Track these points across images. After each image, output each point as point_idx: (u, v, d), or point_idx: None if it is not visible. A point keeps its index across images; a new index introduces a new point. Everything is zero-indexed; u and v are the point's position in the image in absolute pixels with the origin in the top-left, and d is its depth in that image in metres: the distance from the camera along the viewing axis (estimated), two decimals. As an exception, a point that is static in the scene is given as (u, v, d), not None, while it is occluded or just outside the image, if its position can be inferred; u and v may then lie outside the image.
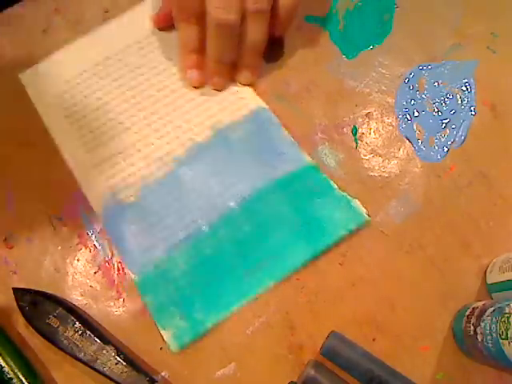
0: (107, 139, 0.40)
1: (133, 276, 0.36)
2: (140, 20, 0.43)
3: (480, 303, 0.33)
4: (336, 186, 0.38)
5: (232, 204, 0.37)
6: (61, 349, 0.33)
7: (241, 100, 0.40)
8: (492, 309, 0.30)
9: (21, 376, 0.33)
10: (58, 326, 0.34)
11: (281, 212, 0.37)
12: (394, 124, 0.40)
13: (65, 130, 0.40)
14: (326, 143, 0.39)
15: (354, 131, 0.40)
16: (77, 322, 0.34)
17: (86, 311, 0.36)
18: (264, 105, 0.40)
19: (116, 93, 0.41)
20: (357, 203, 0.37)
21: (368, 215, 0.37)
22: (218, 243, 0.36)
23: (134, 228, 0.37)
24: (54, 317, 0.34)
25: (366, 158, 0.39)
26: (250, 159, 0.39)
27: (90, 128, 0.40)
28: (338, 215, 0.37)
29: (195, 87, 0.41)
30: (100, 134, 0.40)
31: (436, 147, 0.39)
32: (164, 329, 0.35)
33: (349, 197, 0.37)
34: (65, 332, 0.33)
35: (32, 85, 0.42)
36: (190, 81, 0.41)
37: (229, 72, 0.40)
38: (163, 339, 0.34)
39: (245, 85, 0.41)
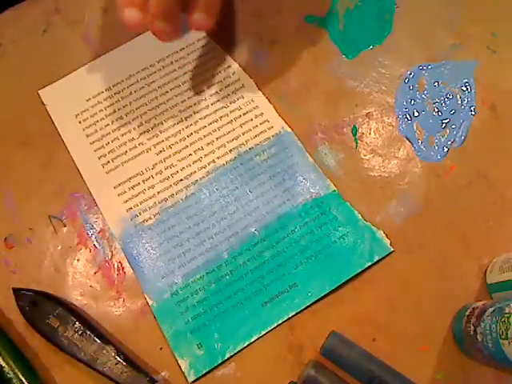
0: (127, 160, 0.39)
1: (150, 302, 0.35)
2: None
3: (480, 303, 0.33)
4: (360, 216, 0.37)
5: (253, 230, 0.37)
6: (61, 349, 0.33)
7: (265, 123, 0.40)
8: (492, 309, 0.30)
9: (21, 376, 0.33)
10: (58, 326, 0.34)
11: (303, 240, 0.36)
12: (393, 124, 0.40)
13: (85, 149, 0.39)
14: (326, 143, 0.39)
15: (354, 131, 0.40)
16: (77, 322, 0.34)
17: (86, 311, 0.36)
18: (288, 128, 0.40)
19: (137, 113, 0.40)
20: (381, 234, 0.36)
21: (391, 246, 0.36)
22: (237, 270, 0.36)
23: (152, 252, 0.37)
24: (54, 317, 0.34)
25: (366, 158, 0.39)
26: (272, 184, 0.38)
27: (110, 148, 0.39)
28: (362, 246, 0.36)
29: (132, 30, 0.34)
30: (120, 155, 0.39)
31: (436, 147, 0.39)
32: (182, 357, 0.34)
33: (373, 227, 0.36)
34: (65, 332, 0.33)
35: (52, 102, 0.41)
36: (127, 23, 0.33)
37: (177, 15, 0.34)
38: (178, 366, 0.34)
39: (198, 29, 0.35)
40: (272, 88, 0.41)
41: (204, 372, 0.34)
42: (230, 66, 0.42)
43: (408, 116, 0.40)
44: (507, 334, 0.28)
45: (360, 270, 0.35)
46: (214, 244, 0.37)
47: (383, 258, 0.36)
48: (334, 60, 0.42)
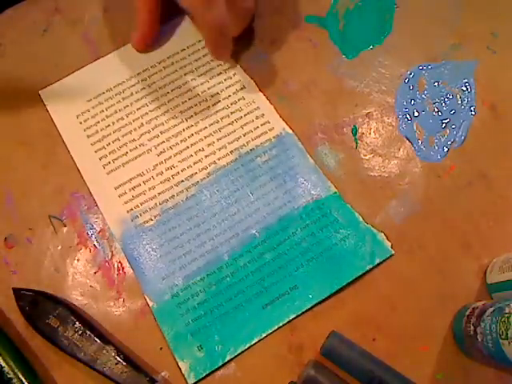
0: (128, 161, 0.39)
1: (150, 303, 0.35)
2: (165, 40, 0.43)
3: (480, 303, 0.33)
4: (361, 218, 0.37)
5: (254, 232, 0.37)
6: (61, 349, 0.33)
7: (266, 124, 0.40)
8: (492, 309, 0.30)
9: (21, 376, 0.33)
10: (58, 326, 0.34)
11: (304, 242, 0.36)
12: (393, 124, 0.40)
13: (85, 150, 0.39)
14: (326, 143, 0.39)
15: (354, 131, 0.40)
16: (77, 322, 0.34)
17: (86, 311, 0.36)
18: (289, 129, 0.39)
19: (138, 114, 0.40)
20: (382, 237, 0.36)
21: (392, 248, 0.36)
22: (238, 272, 0.36)
23: (152, 253, 0.36)
24: (54, 317, 0.34)
25: (366, 158, 0.39)
26: (273, 186, 0.38)
27: (111, 149, 0.39)
28: (363, 249, 0.36)
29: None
30: (121, 156, 0.39)
31: (436, 147, 0.39)
32: (182, 359, 0.34)
33: (374, 230, 0.36)
34: (65, 332, 0.33)
35: (53, 102, 0.41)
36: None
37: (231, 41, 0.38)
38: (178, 367, 0.34)
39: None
40: (272, 88, 0.41)
41: (204, 375, 0.34)
42: (231, 67, 0.42)
43: (408, 116, 0.40)
44: (507, 333, 0.28)
45: (361, 272, 0.35)
46: (215, 245, 0.36)
47: (384, 260, 0.36)
48: (334, 60, 0.42)
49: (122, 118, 0.40)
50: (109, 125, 0.40)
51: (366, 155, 0.39)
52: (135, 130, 0.40)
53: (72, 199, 0.38)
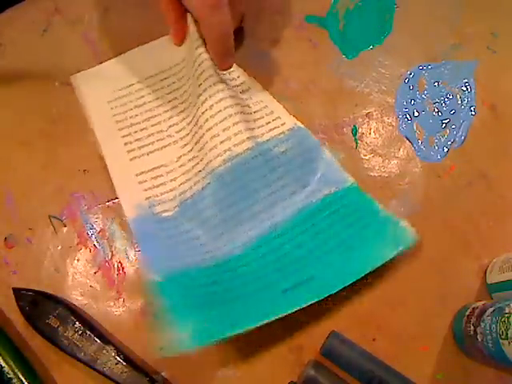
0: (153, 150, 0.39)
1: (155, 277, 0.33)
2: (195, 32, 0.41)
3: (480, 303, 0.33)
4: (381, 206, 0.36)
5: (271, 224, 0.36)
6: (61, 349, 0.33)
7: (277, 120, 0.39)
8: (492, 309, 0.30)
9: (21, 376, 0.33)
10: (58, 326, 0.34)
11: (323, 234, 0.35)
12: (393, 124, 0.40)
13: (112, 133, 0.39)
14: (326, 143, 0.39)
15: (354, 131, 0.40)
16: (77, 322, 0.34)
17: (86, 311, 0.36)
18: (301, 124, 0.39)
19: (168, 106, 0.40)
20: (404, 224, 0.35)
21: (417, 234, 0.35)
22: (254, 262, 0.35)
23: (166, 242, 0.36)
24: (54, 317, 0.34)
25: (366, 158, 0.39)
26: (291, 178, 0.37)
27: (138, 137, 0.39)
28: (384, 237, 0.35)
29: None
30: (147, 144, 0.39)
31: (436, 147, 0.39)
32: (184, 325, 0.31)
33: (395, 218, 0.35)
34: (65, 332, 0.33)
35: (83, 86, 0.41)
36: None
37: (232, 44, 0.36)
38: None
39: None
40: (272, 88, 0.41)
41: (211, 340, 0.31)
42: (233, 71, 0.41)
43: (408, 116, 0.40)
44: (507, 333, 0.28)
45: (382, 262, 0.34)
46: (231, 237, 0.35)
47: (408, 247, 0.35)
48: (334, 60, 0.42)
49: (151, 110, 0.40)
50: (137, 114, 0.40)
51: (366, 155, 0.39)
52: (164, 121, 0.40)
53: (72, 199, 0.38)
